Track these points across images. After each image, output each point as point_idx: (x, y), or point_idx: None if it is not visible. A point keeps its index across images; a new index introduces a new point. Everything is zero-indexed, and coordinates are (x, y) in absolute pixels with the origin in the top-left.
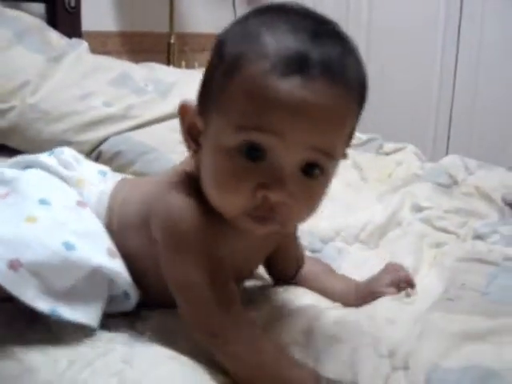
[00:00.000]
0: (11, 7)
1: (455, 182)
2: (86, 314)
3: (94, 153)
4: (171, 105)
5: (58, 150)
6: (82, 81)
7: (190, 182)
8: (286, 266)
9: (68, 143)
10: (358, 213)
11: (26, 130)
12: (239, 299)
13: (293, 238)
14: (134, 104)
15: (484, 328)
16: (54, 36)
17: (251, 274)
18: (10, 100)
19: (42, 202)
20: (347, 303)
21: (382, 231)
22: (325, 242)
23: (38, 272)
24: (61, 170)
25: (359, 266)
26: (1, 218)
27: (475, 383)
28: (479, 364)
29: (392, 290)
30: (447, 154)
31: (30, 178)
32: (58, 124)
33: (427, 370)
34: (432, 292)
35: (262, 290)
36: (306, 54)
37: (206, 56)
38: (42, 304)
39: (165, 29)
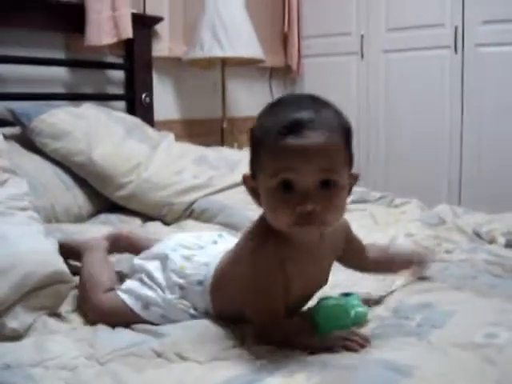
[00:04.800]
0: (101, 104)
1: (444, 223)
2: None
3: (188, 210)
4: (238, 176)
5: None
6: (174, 161)
7: (264, 228)
8: (359, 258)
9: (170, 204)
10: (370, 236)
11: (142, 196)
12: (282, 314)
13: (352, 238)
14: (213, 176)
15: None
16: (149, 130)
17: (326, 281)
18: (129, 176)
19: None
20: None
21: None
22: None
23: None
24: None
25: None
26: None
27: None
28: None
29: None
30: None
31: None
32: (163, 191)
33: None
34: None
35: None
36: (295, 121)
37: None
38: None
39: (217, 115)
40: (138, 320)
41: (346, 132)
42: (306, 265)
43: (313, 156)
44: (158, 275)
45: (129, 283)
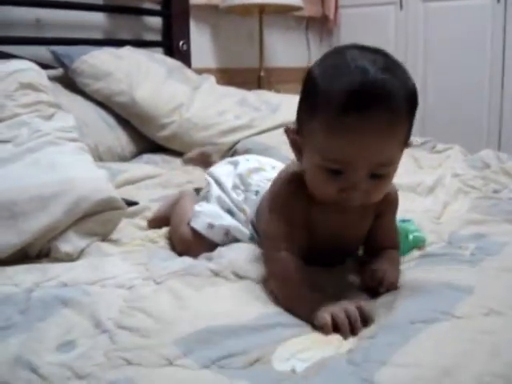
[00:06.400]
0: None
1: (488, 166)
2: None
3: (231, 151)
4: (279, 118)
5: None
6: (216, 102)
7: (296, 178)
8: (373, 240)
9: (213, 144)
10: (416, 177)
11: (184, 136)
12: (295, 249)
13: (388, 225)
14: (255, 118)
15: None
16: (189, 72)
17: (354, 246)
18: (171, 116)
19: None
20: None
21: (431, 188)
22: None
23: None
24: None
25: (413, 204)
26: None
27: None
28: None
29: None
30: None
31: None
32: (206, 131)
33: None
34: (460, 210)
35: None
36: (364, 90)
37: (287, 86)
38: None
39: (253, 64)
40: (206, 244)
41: (413, 104)
42: (335, 216)
43: (373, 148)
44: (226, 180)
45: (196, 207)
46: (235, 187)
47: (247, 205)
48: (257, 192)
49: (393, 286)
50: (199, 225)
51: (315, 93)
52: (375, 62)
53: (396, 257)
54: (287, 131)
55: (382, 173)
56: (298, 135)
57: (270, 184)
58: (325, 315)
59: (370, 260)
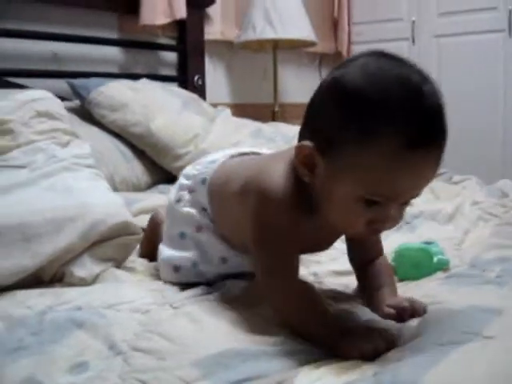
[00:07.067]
0: None
1: (506, 195)
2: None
3: None
4: None
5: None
6: (231, 134)
7: (289, 196)
8: (362, 253)
9: None
10: (435, 205)
11: None
12: (297, 270)
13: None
14: (270, 149)
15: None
16: (205, 105)
17: (330, 245)
18: (187, 146)
19: None
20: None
21: (451, 215)
22: (414, 217)
23: None
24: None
25: (433, 232)
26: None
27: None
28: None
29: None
30: None
31: None
32: None
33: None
34: (481, 237)
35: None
36: (427, 127)
37: (301, 122)
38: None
39: (268, 100)
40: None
41: None
42: (318, 225)
43: (426, 181)
44: (171, 195)
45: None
46: (181, 188)
47: (198, 199)
48: (204, 180)
49: (420, 314)
50: (166, 274)
51: (373, 118)
52: (424, 82)
53: (387, 264)
54: (303, 149)
55: (410, 201)
56: (319, 155)
57: (214, 166)
58: (351, 352)
59: (370, 284)
